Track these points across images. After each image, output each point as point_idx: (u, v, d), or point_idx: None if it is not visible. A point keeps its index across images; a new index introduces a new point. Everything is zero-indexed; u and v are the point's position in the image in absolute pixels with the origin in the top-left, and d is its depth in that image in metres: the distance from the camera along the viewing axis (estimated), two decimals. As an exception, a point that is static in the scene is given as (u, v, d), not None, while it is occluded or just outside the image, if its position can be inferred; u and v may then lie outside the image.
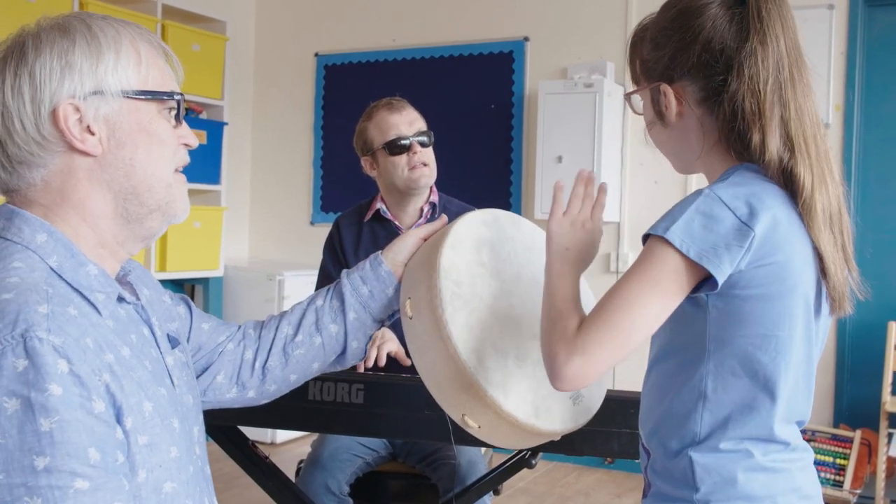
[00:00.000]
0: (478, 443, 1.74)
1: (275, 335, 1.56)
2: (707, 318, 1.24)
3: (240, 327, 1.59)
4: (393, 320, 1.63)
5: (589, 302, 1.64)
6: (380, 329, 1.95)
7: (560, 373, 1.22)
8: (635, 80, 1.40)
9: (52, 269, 1.12)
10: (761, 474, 1.25)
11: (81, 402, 1.02)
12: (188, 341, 1.49)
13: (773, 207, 1.21)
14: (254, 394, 1.55)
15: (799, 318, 1.25)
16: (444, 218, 1.65)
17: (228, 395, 1.54)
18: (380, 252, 1.61)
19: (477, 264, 1.53)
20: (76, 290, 1.12)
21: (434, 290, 1.44)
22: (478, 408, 1.43)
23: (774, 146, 1.24)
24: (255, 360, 1.54)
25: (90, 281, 1.14)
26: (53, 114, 1.14)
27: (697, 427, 1.26)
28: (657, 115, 1.35)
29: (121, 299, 1.20)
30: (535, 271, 1.61)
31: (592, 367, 1.21)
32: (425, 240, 1.62)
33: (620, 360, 1.23)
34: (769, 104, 1.24)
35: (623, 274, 1.25)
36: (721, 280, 1.19)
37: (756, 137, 1.25)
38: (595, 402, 1.60)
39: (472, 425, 1.46)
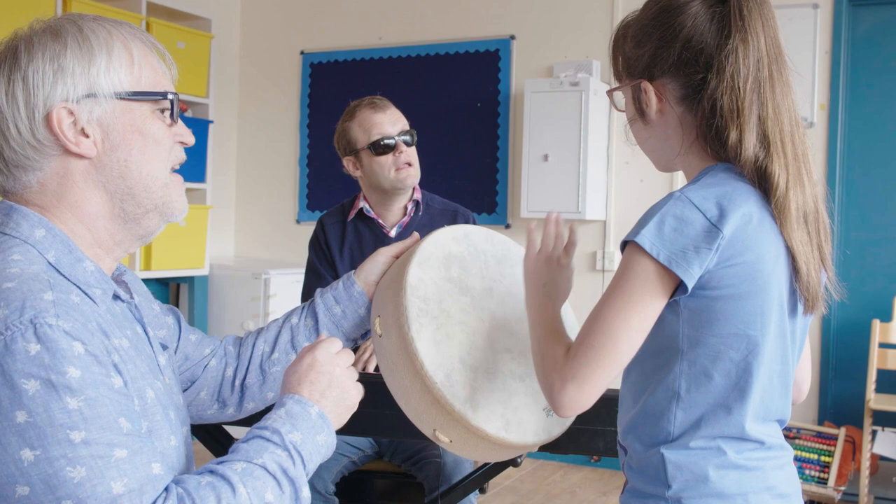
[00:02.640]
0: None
1: (252, 352, 1.57)
2: (680, 318, 1.25)
3: (221, 342, 1.60)
4: (366, 339, 1.64)
5: (573, 326, 1.65)
6: (354, 346, 1.98)
7: (558, 402, 1.24)
8: (617, 76, 1.40)
9: (49, 263, 1.13)
10: (733, 472, 1.25)
11: (102, 379, 1.04)
12: (176, 352, 1.50)
13: (744, 207, 1.22)
14: (233, 411, 1.58)
15: (771, 317, 1.25)
16: (416, 235, 1.67)
17: (209, 412, 1.56)
18: (353, 272, 1.64)
19: (446, 280, 1.54)
20: (74, 283, 1.13)
21: (401, 307, 1.46)
22: (447, 423, 1.45)
23: (751, 144, 1.25)
24: (234, 377, 1.56)
25: (87, 276, 1.16)
26: (47, 118, 1.15)
27: (671, 426, 1.27)
28: (638, 112, 1.35)
29: (116, 297, 1.22)
30: (508, 285, 1.62)
31: (588, 391, 1.22)
32: (397, 257, 1.63)
33: (613, 377, 1.24)
34: (748, 102, 1.25)
35: (608, 286, 1.26)
36: (690, 284, 1.20)
37: (733, 135, 1.25)
38: None
39: (444, 440, 1.47)
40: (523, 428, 1.49)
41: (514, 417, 1.48)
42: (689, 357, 1.25)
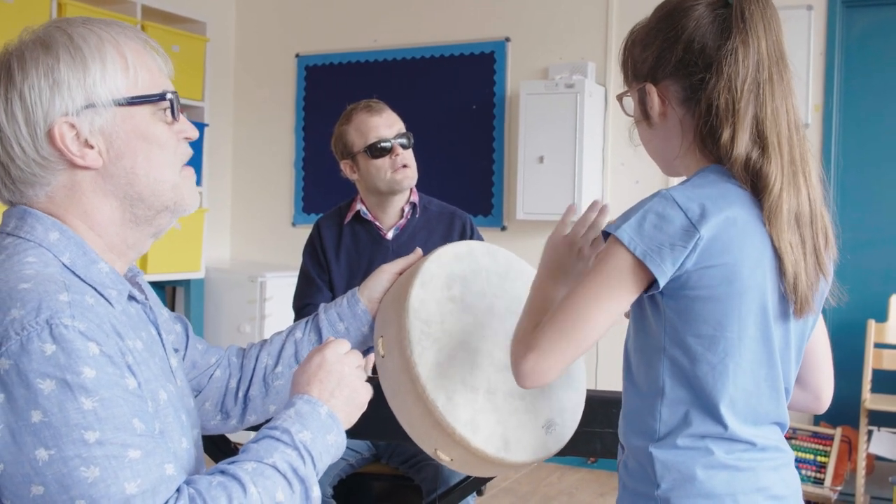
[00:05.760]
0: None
1: (255, 365, 1.57)
2: (663, 317, 1.26)
3: (225, 352, 1.60)
4: (368, 355, 1.64)
5: None
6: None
7: (518, 369, 1.28)
8: (626, 82, 1.41)
9: (64, 265, 1.13)
10: (723, 472, 1.26)
11: (117, 380, 1.04)
12: (184, 359, 1.51)
13: (728, 209, 1.23)
14: (235, 422, 1.58)
15: (750, 320, 1.25)
16: (419, 251, 1.67)
17: (213, 423, 1.56)
18: (357, 289, 1.64)
19: (448, 300, 1.54)
20: (89, 285, 1.13)
21: (403, 330, 1.46)
22: (448, 444, 1.46)
23: (743, 144, 1.26)
24: (237, 389, 1.56)
25: (102, 278, 1.16)
26: (49, 134, 1.14)
27: (657, 423, 1.29)
28: (643, 115, 1.37)
29: (131, 297, 1.22)
30: (509, 301, 1.62)
31: (547, 363, 1.25)
32: (401, 274, 1.63)
33: (576, 357, 1.27)
34: (744, 102, 1.26)
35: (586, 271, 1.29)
36: (662, 280, 1.21)
37: (726, 134, 1.26)
38: (568, 431, 1.61)
39: (445, 458, 1.49)
40: (522, 446, 1.51)
41: (513, 437, 1.50)
42: (670, 355, 1.27)
